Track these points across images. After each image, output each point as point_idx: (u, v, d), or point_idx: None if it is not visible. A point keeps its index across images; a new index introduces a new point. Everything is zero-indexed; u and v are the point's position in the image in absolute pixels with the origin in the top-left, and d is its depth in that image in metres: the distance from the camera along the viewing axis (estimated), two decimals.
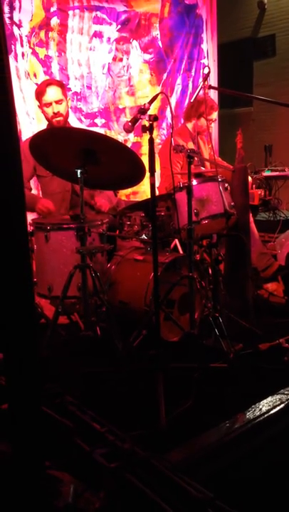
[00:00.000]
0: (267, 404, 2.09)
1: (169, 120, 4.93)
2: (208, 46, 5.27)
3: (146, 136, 2.08)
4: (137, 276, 2.78)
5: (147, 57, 4.82)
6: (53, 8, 4.12)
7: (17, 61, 3.95)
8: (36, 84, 3.83)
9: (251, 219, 3.48)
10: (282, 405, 2.09)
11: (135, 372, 2.38)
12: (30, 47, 4.02)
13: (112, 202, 3.37)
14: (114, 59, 4.60)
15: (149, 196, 2.12)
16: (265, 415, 2.02)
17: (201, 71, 5.16)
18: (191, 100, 4.28)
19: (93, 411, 1.98)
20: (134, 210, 2.95)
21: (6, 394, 1.59)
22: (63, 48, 4.24)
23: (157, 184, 3.79)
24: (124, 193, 4.58)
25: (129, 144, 4.62)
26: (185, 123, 3.92)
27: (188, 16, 5.04)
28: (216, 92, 5.02)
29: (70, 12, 4.23)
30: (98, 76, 4.52)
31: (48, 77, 4.04)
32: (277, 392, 2.19)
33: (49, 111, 3.26)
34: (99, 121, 4.58)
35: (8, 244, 1.39)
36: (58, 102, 3.24)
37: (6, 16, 3.82)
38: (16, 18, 3.90)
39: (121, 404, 2.16)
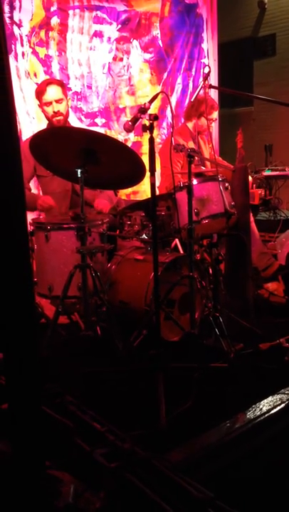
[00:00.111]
0: (267, 404, 2.09)
1: (170, 119, 4.93)
2: (209, 45, 5.27)
3: (146, 136, 2.08)
4: (138, 276, 2.78)
5: (148, 56, 4.81)
6: (53, 8, 4.12)
7: (17, 61, 3.95)
8: (36, 83, 3.83)
9: (252, 218, 3.48)
10: (282, 405, 2.09)
11: (135, 372, 2.38)
12: (30, 46, 4.02)
13: (112, 202, 3.36)
14: (114, 58, 4.60)
15: (150, 196, 2.12)
16: (266, 415, 2.02)
17: (202, 70, 5.16)
18: (192, 100, 4.28)
19: (93, 411, 1.98)
20: (135, 209, 2.94)
21: (6, 394, 1.59)
22: (63, 47, 4.24)
23: (157, 184, 3.79)
24: (124, 193, 4.58)
25: (129, 144, 4.62)
26: (185, 122, 3.92)
27: (188, 16, 5.04)
28: (217, 91, 5.02)
29: (71, 11, 4.23)
30: (98, 76, 4.51)
31: (48, 77, 4.04)
32: (277, 392, 2.18)
33: (49, 110, 3.26)
34: (99, 120, 4.58)
35: (9, 244, 1.39)
36: (58, 101, 3.24)
37: (6, 15, 3.82)
38: (16, 18, 3.90)
39: (121, 404, 2.15)
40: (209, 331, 2.61)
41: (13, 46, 3.91)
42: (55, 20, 4.14)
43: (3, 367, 1.45)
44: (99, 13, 4.40)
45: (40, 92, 3.27)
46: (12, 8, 3.87)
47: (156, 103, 4.70)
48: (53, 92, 3.23)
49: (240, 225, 3.06)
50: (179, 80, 5.08)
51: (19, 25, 3.93)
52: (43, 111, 3.32)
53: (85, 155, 2.46)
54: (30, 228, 2.74)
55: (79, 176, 2.47)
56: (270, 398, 2.13)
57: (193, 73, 5.17)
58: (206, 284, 2.76)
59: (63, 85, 3.36)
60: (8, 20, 3.84)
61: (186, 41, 5.06)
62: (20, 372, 1.44)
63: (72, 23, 4.25)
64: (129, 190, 4.61)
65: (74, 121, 4.25)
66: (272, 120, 7.42)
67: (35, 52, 4.06)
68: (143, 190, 4.61)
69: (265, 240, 4.28)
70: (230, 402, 2.15)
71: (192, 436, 1.87)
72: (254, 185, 4.81)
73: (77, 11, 4.27)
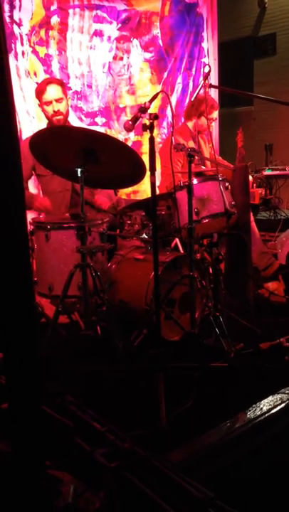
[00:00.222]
0: (268, 404, 2.09)
1: (170, 119, 4.92)
2: (209, 45, 5.26)
3: (146, 135, 2.08)
4: (138, 276, 2.78)
5: (148, 55, 4.81)
6: (53, 7, 4.12)
7: (17, 60, 3.95)
8: (36, 83, 3.83)
9: (252, 218, 3.48)
10: (283, 405, 2.09)
11: (136, 372, 2.37)
12: (30, 45, 4.02)
13: (112, 199, 3.36)
14: (114, 58, 4.59)
15: (150, 195, 2.12)
16: (266, 415, 2.02)
17: (202, 70, 5.15)
18: (192, 99, 4.28)
19: (93, 410, 1.98)
20: (135, 209, 2.94)
21: (6, 393, 1.59)
22: (63, 46, 4.24)
23: (158, 183, 3.79)
24: (124, 192, 4.58)
25: (129, 143, 4.61)
26: (185, 122, 3.92)
27: (188, 15, 5.03)
28: (217, 90, 5.01)
29: (71, 11, 4.23)
30: (98, 75, 4.51)
31: (48, 76, 4.04)
32: (278, 392, 2.18)
33: (49, 109, 3.26)
34: (99, 120, 4.58)
35: (8, 244, 1.39)
36: (58, 100, 3.24)
37: (6, 14, 3.81)
38: (16, 17, 3.90)
39: (121, 404, 2.15)
40: (209, 330, 2.61)
41: (13, 45, 3.91)
42: (55, 20, 4.14)
43: (3, 367, 1.45)
44: (99, 12, 4.40)
45: (40, 92, 3.27)
46: (12, 7, 3.86)
47: (157, 102, 4.70)
48: (53, 92, 3.23)
49: (241, 224, 3.06)
50: (179, 79, 5.07)
51: (19, 25, 3.92)
52: (43, 110, 3.32)
53: (85, 154, 2.46)
54: (30, 228, 2.74)
55: (79, 175, 2.47)
56: (270, 398, 2.13)
57: (193, 72, 5.16)
58: (206, 284, 2.76)
59: (63, 84, 3.36)
60: (8, 20, 3.84)
61: (186, 40, 5.05)
62: (20, 372, 1.44)
63: (72, 22, 4.25)
64: (130, 189, 4.60)
65: (74, 121, 4.25)
66: (273, 119, 7.42)
67: (35, 52, 4.06)
68: (143, 189, 4.60)
69: (265, 239, 4.28)
70: (230, 401, 2.15)
71: (192, 436, 1.87)
72: (254, 185, 4.81)
73: (77, 10, 4.27)
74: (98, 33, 4.44)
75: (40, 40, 4.08)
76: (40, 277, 2.74)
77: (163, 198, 2.90)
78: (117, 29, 4.56)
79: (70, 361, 2.48)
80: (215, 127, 5.13)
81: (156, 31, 4.82)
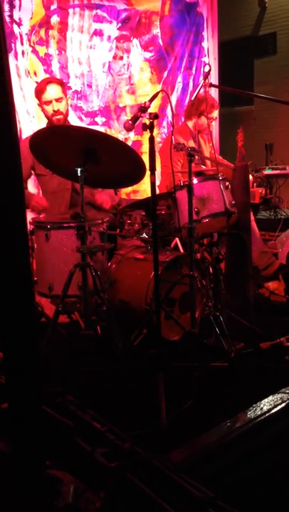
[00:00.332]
0: (268, 404, 2.09)
1: (170, 118, 4.92)
2: (209, 44, 5.26)
3: (146, 135, 2.08)
4: (138, 275, 2.78)
5: (148, 55, 4.81)
6: (53, 6, 4.11)
7: (17, 59, 3.95)
8: (36, 82, 3.82)
9: (252, 217, 3.48)
10: (283, 404, 2.09)
11: (136, 372, 2.37)
12: (30, 45, 4.02)
13: (114, 200, 3.36)
14: (114, 57, 4.59)
15: (150, 195, 2.12)
16: (266, 414, 2.02)
17: (202, 69, 5.14)
18: (192, 98, 4.27)
19: (94, 410, 1.98)
20: (135, 208, 2.94)
21: (6, 393, 1.59)
22: (63, 46, 4.23)
23: (158, 183, 3.78)
24: (124, 192, 4.58)
25: (129, 143, 4.61)
26: (186, 121, 3.92)
27: (188, 14, 5.03)
28: (217, 90, 5.01)
29: (71, 10, 4.22)
30: (98, 74, 4.51)
31: (48, 76, 4.04)
32: (278, 391, 2.18)
33: (49, 109, 3.26)
34: (99, 119, 4.58)
35: (8, 244, 1.39)
36: (58, 100, 3.24)
37: (6, 14, 3.81)
38: (16, 17, 3.89)
39: (121, 404, 2.15)
40: (210, 330, 2.60)
41: (13, 45, 3.91)
42: (55, 19, 4.13)
43: (3, 367, 1.45)
44: (99, 11, 4.39)
45: (40, 91, 3.26)
46: (12, 6, 3.86)
47: (157, 102, 4.70)
48: (52, 91, 3.23)
49: (241, 224, 3.05)
50: (180, 78, 5.07)
51: (19, 24, 3.92)
52: (43, 110, 3.32)
53: (85, 154, 2.45)
54: (30, 227, 2.74)
55: (79, 174, 2.47)
56: (270, 397, 2.13)
57: (193, 72, 5.16)
58: (206, 283, 2.75)
59: (63, 84, 3.36)
60: (8, 19, 3.84)
61: (186, 40, 5.05)
62: (21, 372, 1.44)
63: (72, 21, 4.25)
64: (130, 189, 4.60)
65: (74, 120, 4.25)
66: (273, 119, 7.41)
67: (35, 51, 4.06)
68: (143, 189, 4.60)
69: (265, 238, 4.28)
70: (230, 401, 2.14)
71: (192, 436, 1.87)
72: (254, 184, 4.80)
73: (77, 9, 4.26)
74: (98, 33, 4.43)
75: (40, 40, 4.08)
76: (40, 277, 2.74)
77: (163, 197, 2.90)
78: (117, 28, 4.55)
79: (70, 361, 2.48)
80: (215, 127, 5.13)
81: (156, 31, 4.82)
